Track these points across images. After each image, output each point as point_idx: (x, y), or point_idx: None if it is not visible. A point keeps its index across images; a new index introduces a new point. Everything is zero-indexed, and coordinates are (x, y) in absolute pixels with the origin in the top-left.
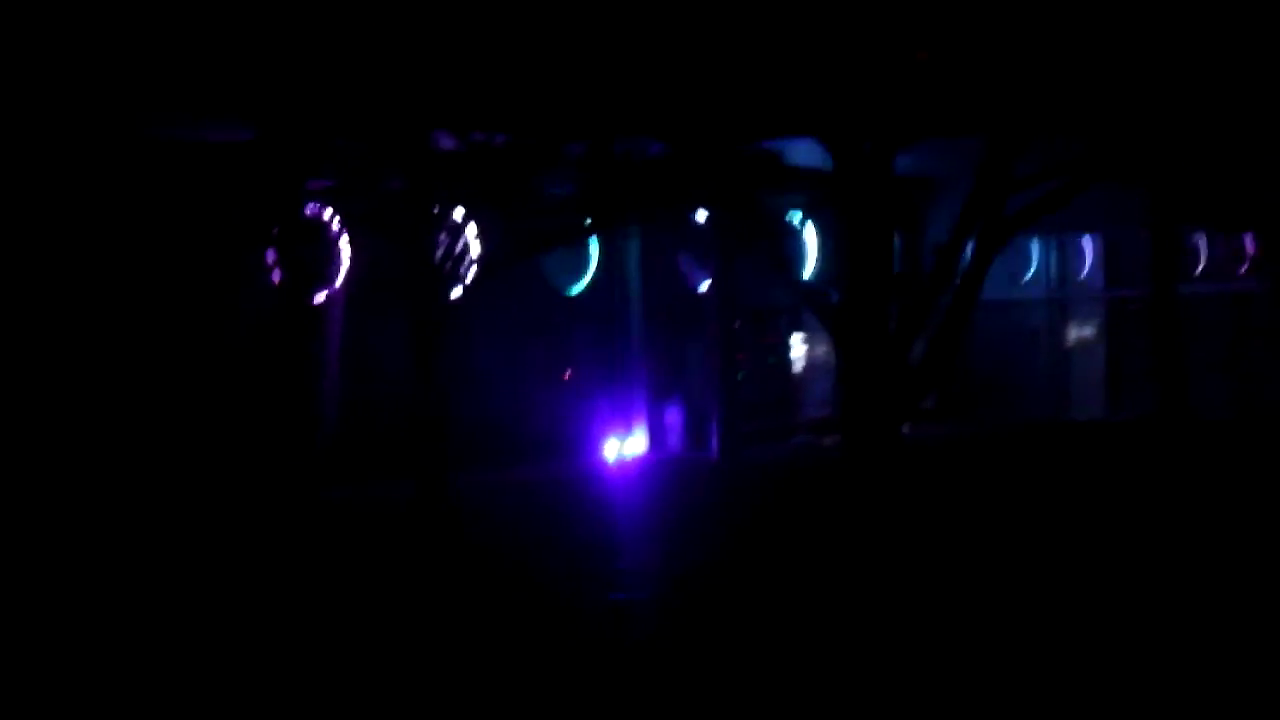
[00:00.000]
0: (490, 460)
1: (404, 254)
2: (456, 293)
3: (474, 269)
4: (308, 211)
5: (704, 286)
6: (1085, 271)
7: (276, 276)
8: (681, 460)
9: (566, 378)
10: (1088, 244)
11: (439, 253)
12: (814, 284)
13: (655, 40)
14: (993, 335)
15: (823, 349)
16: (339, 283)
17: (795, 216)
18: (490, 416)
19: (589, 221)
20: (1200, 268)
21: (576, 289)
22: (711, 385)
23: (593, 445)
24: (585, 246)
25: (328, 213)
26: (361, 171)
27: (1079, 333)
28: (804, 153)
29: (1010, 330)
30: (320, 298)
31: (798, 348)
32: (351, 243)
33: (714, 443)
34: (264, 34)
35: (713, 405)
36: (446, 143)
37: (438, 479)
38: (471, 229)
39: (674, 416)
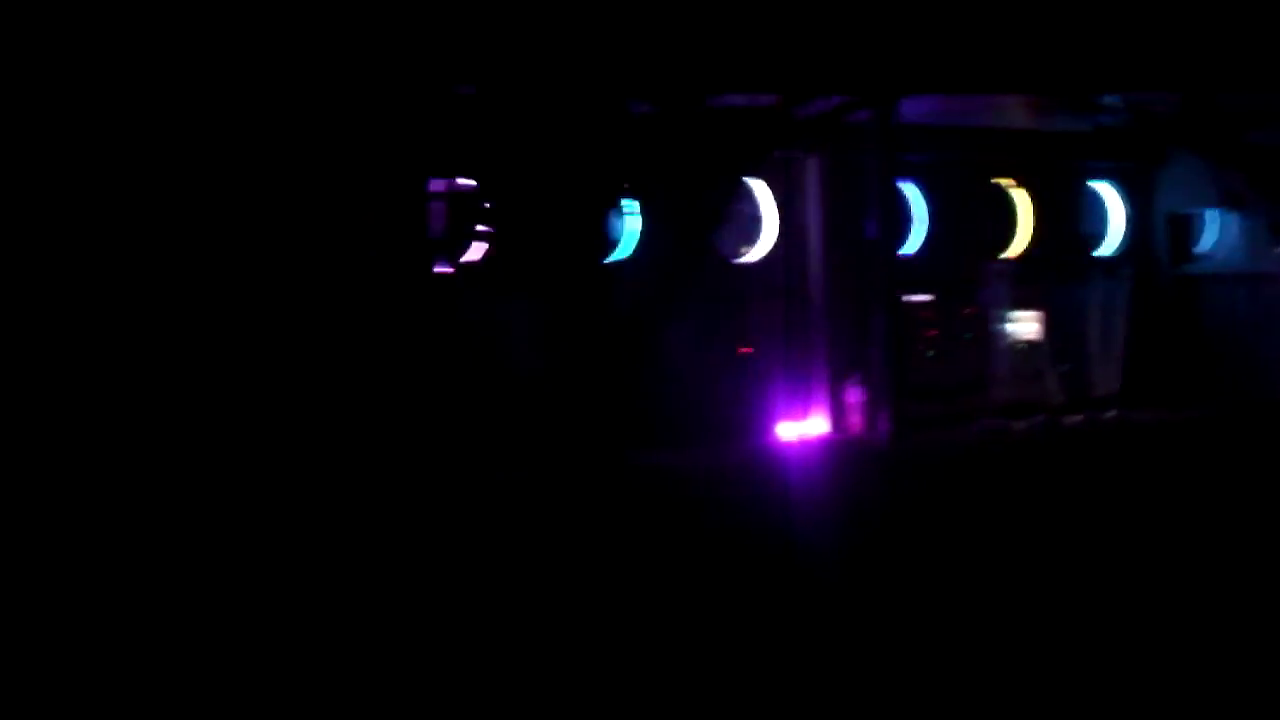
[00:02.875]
0: (659, 441)
1: None
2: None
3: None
4: None
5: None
6: None
7: None
8: (854, 444)
9: (745, 352)
10: None
11: None
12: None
13: None
14: (1237, 311)
15: (1033, 326)
16: None
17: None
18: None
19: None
20: None
21: (748, 257)
22: (886, 363)
23: (770, 427)
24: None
25: None
26: None
27: None
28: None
29: (1260, 305)
30: None
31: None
32: None
33: (882, 426)
34: None
35: (885, 385)
36: None
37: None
38: None
39: (855, 395)
